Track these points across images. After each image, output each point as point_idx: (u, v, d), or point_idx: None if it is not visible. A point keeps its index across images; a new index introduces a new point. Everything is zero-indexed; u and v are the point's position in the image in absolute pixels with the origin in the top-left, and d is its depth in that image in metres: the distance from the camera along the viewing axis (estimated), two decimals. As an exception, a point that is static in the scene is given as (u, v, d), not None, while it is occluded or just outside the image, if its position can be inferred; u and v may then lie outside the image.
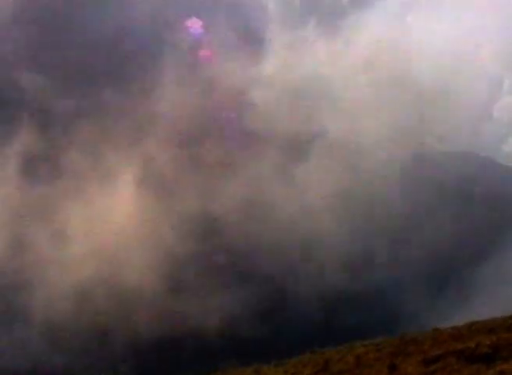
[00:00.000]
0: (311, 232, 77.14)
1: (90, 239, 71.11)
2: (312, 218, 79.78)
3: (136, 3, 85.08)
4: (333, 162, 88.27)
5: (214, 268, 69.50)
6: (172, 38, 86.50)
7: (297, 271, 72.65)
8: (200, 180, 78.04)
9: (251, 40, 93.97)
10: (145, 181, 77.49)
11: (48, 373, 53.22)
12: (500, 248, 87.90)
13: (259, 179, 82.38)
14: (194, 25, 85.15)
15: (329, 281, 68.46)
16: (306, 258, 73.32)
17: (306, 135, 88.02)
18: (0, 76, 75.93)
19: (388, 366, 11.16)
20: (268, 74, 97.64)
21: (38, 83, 77.19)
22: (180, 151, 79.29)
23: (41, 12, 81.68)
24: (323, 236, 75.29)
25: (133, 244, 71.19)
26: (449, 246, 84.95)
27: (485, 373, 9.44)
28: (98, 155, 77.52)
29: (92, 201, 75.30)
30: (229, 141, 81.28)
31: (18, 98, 76.67)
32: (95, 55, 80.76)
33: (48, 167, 73.03)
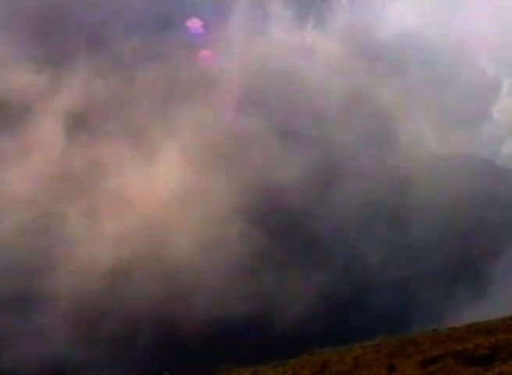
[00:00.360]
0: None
1: (131, 215, 63.51)
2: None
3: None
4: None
5: (269, 248, 62.57)
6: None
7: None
8: (259, 149, 70.67)
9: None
10: (195, 150, 69.81)
11: (69, 366, 47.67)
12: (502, 248, 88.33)
13: (329, 146, 75.62)
14: (194, 25, 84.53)
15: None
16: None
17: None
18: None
19: (386, 366, 11.16)
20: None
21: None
22: (235, 117, 72.76)
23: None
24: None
25: (180, 219, 63.18)
26: (451, 245, 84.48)
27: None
28: (145, 121, 70.79)
29: (136, 171, 68.14)
30: (290, 105, 76.36)
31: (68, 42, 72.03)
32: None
33: (92, 130, 66.79)
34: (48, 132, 67.72)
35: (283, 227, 66.64)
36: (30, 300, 54.01)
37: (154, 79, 74.59)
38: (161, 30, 76.83)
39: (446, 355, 10.78)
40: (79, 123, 68.57)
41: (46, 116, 68.50)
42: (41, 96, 68.85)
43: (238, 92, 77.00)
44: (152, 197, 65.98)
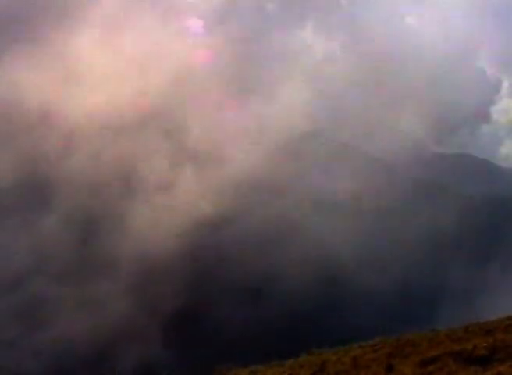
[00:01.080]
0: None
1: (238, 161, 53.43)
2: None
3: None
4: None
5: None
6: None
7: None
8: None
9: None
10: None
11: (127, 336, 42.83)
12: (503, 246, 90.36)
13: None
14: (195, 25, 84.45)
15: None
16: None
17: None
18: None
19: (385, 366, 11.17)
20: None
21: None
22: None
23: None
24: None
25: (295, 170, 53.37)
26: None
27: (481, 375, 9.47)
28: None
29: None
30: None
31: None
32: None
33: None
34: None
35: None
36: (95, 264, 46.85)
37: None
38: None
39: (444, 356, 10.81)
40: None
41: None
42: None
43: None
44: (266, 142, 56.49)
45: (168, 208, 51.78)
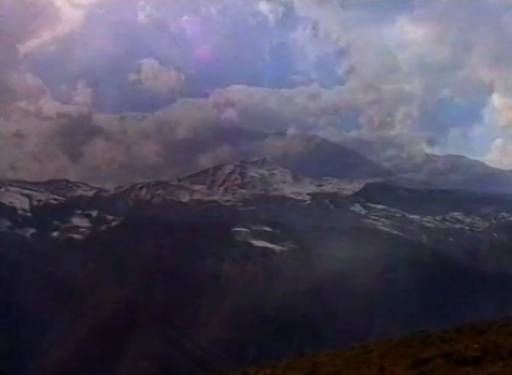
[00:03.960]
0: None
1: None
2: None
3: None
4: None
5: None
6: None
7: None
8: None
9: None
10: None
11: None
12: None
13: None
14: (193, 24, 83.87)
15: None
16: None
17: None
18: None
19: (377, 368, 11.07)
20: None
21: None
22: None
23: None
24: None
25: None
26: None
27: (473, 376, 9.41)
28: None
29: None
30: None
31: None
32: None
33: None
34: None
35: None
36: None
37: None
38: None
39: (436, 357, 10.73)
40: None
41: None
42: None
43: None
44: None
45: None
